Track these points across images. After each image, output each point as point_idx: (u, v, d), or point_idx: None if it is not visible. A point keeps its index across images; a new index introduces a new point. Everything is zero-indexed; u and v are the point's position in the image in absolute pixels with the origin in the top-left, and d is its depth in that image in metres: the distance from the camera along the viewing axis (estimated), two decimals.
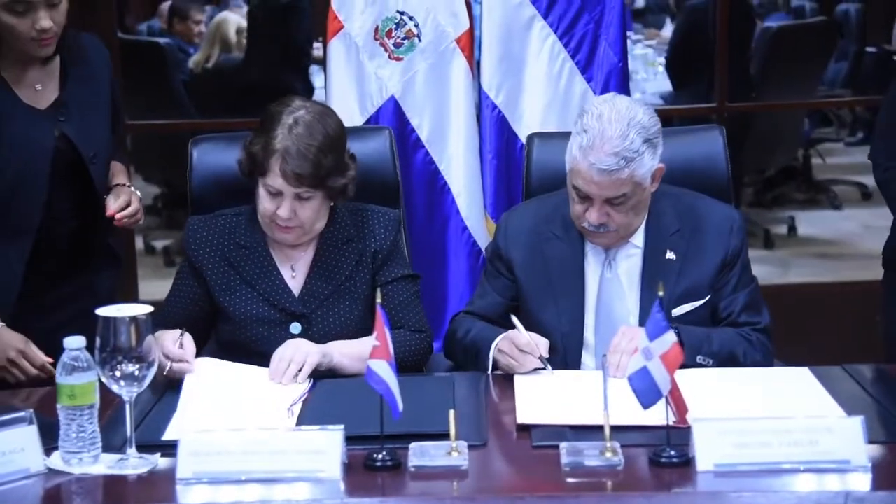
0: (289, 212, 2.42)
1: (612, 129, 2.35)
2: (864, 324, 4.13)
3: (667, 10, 9.27)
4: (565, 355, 2.49)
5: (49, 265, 2.62)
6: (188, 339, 2.36)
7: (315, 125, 2.42)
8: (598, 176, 2.36)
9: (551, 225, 2.56)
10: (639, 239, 2.51)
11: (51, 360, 2.45)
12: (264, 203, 2.44)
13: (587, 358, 2.51)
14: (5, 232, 2.55)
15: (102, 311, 1.92)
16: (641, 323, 2.43)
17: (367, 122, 3.39)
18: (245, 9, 6.97)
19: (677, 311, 2.46)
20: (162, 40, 6.33)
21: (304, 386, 2.30)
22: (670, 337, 1.91)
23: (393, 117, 3.40)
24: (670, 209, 2.52)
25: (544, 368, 2.36)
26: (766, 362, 2.47)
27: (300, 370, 2.33)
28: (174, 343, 2.33)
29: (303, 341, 2.41)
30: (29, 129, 2.54)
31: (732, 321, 2.50)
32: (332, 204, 2.51)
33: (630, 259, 2.51)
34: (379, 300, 1.92)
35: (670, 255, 2.49)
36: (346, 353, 2.41)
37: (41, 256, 2.59)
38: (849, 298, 4.37)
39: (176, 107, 5.91)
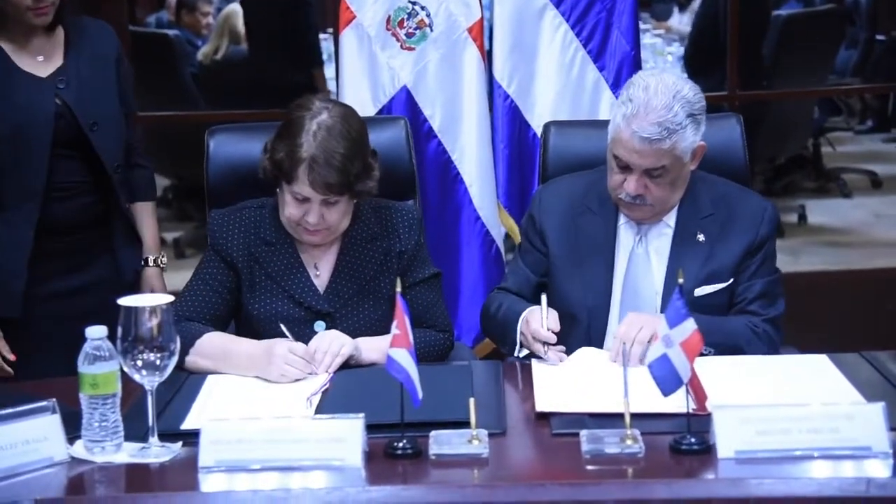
0: (317, 217, 2.41)
1: (658, 100, 2.38)
2: (875, 311, 4.14)
3: (674, 0, 9.24)
4: (589, 328, 2.52)
5: (65, 244, 2.69)
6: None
7: (339, 129, 2.40)
8: (639, 144, 2.38)
9: (587, 199, 2.58)
10: (672, 219, 2.54)
11: (14, 358, 2.60)
12: (290, 209, 2.43)
13: (612, 332, 2.51)
14: (12, 197, 2.62)
15: (124, 301, 1.93)
16: (665, 299, 2.47)
17: (380, 112, 3.39)
18: None
19: (699, 292, 2.49)
20: (170, 32, 6.33)
21: (323, 376, 2.30)
22: (690, 325, 1.91)
23: (405, 107, 3.40)
24: (705, 194, 2.55)
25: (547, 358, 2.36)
26: (771, 354, 2.47)
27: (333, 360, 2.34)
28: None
29: (336, 332, 2.41)
30: (29, 93, 2.62)
31: (743, 308, 2.51)
32: (355, 201, 2.51)
33: (661, 238, 2.54)
34: (398, 289, 1.93)
35: (700, 237, 2.52)
36: (375, 347, 2.40)
37: (55, 234, 2.66)
38: (859, 286, 4.38)
39: (185, 98, 5.92)
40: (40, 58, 2.66)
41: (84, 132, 2.66)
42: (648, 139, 2.38)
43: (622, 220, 2.55)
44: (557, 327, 2.37)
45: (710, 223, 2.52)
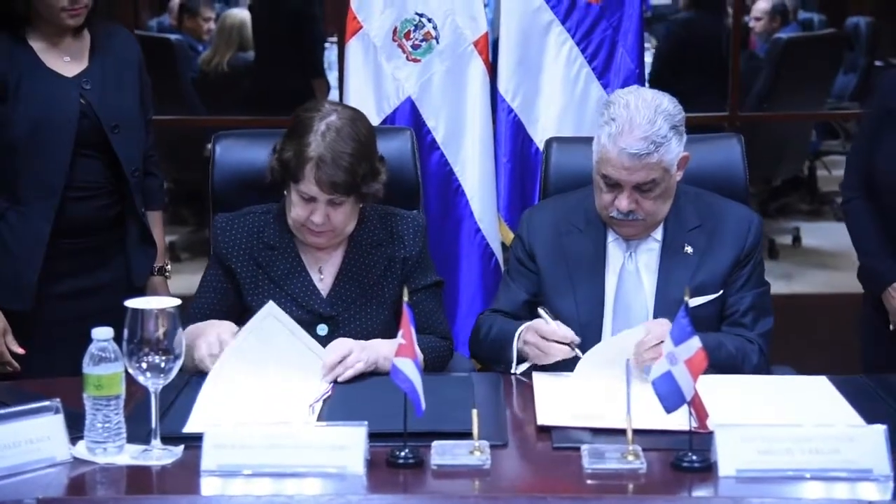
0: (322, 218, 2.42)
1: (640, 116, 2.41)
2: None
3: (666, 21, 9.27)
4: (582, 345, 2.51)
5: (79, 245, 2.71)
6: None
7: (347, 131, 2.42)
8: (628, 161, 2.41)
9: (573, 219, 2.61)
10: (659, 233, 2.57)
11: (21, 352, 2.62)
12: (297, 209, 2.44)
13: None
14: (32, 192, 2.65)
15: (131, 303, 1.93)
16: (656, 313, 2.49)
17: (384, 122, 3.40)
18: None
19: (690, 304, 2.48)
20: (172, 36, 6.32)
21: (327, 384, 2.30)
22: (695, 343, 1.92)
23: (409, 118, 3.42)
24: (690, 207, 2.58)
25: (575, 356, 2.36)
26: (762, 367, 2.50)
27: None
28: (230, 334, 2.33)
29: (359, 347, 2.36)
30: (54, 91, 2.66)
31: (735, 320, 2.54)
32: (360, 205, 2.52)
33: (650, 253, 2.57)
34: (406, 298, 1.94)
35: (688, 249, 2.54)
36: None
37: (70, 234, 2.69)
38: (852, 310, 4.38)
39: (184, 103, 5.91)
40: (67, 58, 2.70)
41: (105, 133, 2.69)
42: (637, 154, 2.40)
43: (611, 237, 2.58)
44: (572, 333, 2.38)
45: (698, 235, 2.55)
